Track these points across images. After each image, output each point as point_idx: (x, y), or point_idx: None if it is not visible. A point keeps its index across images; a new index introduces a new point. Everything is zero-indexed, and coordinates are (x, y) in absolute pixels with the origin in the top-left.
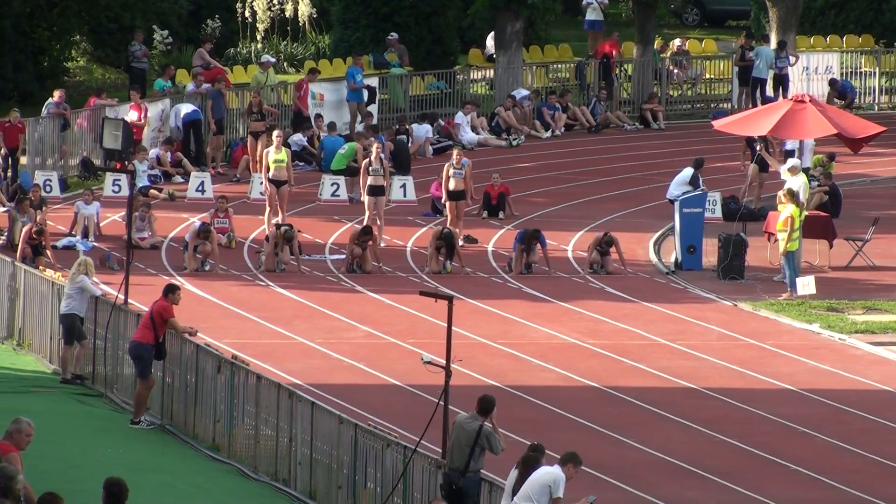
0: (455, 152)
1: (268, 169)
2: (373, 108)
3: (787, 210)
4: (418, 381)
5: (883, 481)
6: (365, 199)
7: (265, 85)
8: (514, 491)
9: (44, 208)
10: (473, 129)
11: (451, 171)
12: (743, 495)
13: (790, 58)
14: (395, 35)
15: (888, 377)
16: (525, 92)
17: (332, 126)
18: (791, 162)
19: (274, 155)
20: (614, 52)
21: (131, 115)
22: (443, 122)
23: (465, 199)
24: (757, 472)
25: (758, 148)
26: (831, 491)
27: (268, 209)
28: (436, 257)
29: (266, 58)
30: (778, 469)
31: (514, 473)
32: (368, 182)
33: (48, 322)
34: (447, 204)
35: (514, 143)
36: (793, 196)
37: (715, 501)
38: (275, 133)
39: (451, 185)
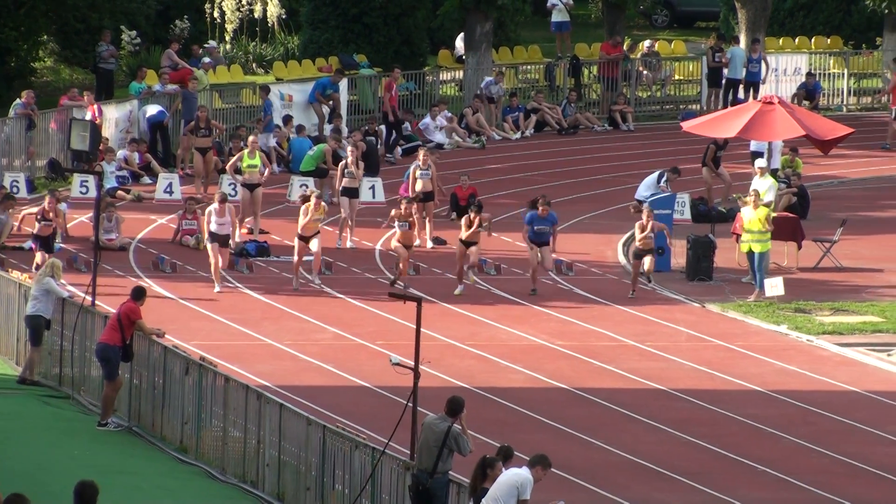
0: (422, 153)
1: (240, 172)
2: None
3: (749, 211)
4: (387, 383)
5: (850, 482)
6: (339, 200)
7: (206, 87)
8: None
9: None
10: (447, 130)
11: (418, 172)
12: (711, 496)
13: (762, 64)
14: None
15: (855, 378)
16: (490, 78)
17: (300, 128)
18: (759, 162)
19: (247, 160)
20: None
21: (86, 117)
22: (409, 126)
23: (433, 200)
24: (725, 472)
25: (711, 149)
26: (799, 491)
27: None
28: (462, 271)
29: (207, 59)
30: (745, 470)
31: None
32: (344, 184)
33: (14, 324)
34: (416, 205)
35: (477, 144)
36: (758, 197)
37: (683, 502)
38: (250, 138)
39: (419, 186)
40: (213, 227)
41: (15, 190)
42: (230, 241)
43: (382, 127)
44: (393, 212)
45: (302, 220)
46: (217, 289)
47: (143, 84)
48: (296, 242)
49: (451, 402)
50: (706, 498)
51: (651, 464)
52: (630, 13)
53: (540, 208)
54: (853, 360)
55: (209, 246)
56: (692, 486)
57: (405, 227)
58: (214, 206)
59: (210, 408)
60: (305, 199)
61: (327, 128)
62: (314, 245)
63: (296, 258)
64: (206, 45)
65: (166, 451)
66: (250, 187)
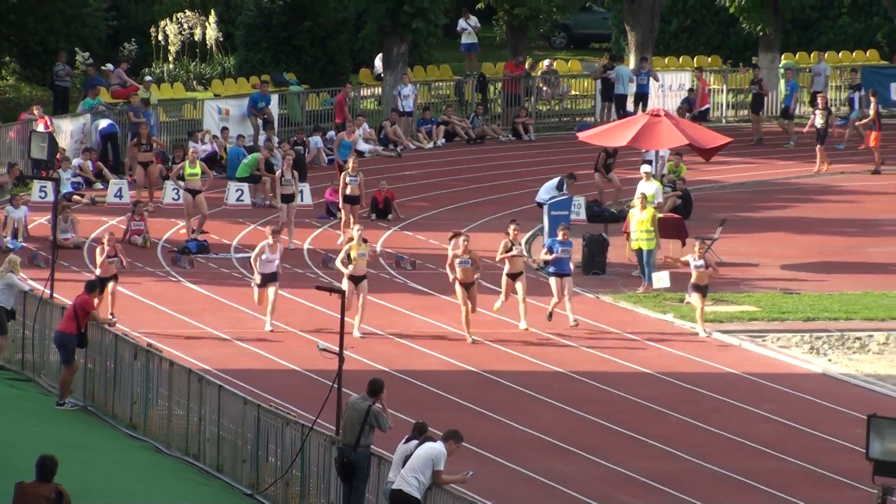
0: (351, 161)
1: (182, 179)
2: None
3: (638, 213)
4: (315, 367)
5: (729, 454)
6: (279, 205)
7: (155, 102)
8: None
9: None
10: (365, 140)
11: (348, 178)
12: (605, 467)
13: (651, 77)
14: None
15: (734, 362)
16: (401, 85)
17: (238, 138)
18: (645, 168)
19: (188, 169)
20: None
21: (39, 129)
22: (333, 135)
23: (359, 203)
24: (618, 446)
25: (601, 156)
26: (683, 463)
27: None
28: (510, 286)
29: (147, 77)
30: (636, 443)
31: (401, 448)
32: (281, 191)
33: None
34: (343, 207)
35: (394, 153)
36: (645, 200)
37: (581, 473)
38: (190, 149)
39: (348, 191)
40: (262, 267)
41: None
42: (277, 278)
43: (311, 138)
44: (450, 253)
45: (353, 256)
46: (268, 327)
47: (96, 100)
48: (345, 284)
49: (372, 383)
50: (602, 469)
51: (552, 438)
52: (531, 35)
53: (560, 234)
54: (732, 345)
55: (256, 290)
56: (588, 458)
57: (466, 265)
58: (268, 241)
59: (156, 389)
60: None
61: (261, 138)
62: (363, 288)
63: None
64: (103, 67)
65: (118, 428)
66: (192, 192)
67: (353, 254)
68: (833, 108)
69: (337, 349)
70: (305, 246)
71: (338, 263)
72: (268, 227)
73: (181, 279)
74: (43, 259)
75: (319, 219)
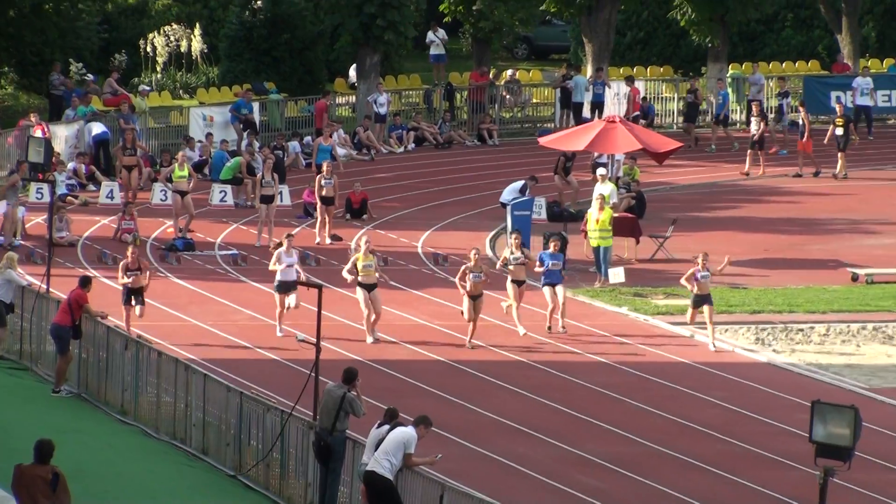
0: (325, 164)
1: (171, 181)
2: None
3: (596, 212)
4: (293, 357)
5: (681, 438)
6: (259, 206)
7: (146, 111)
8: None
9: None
10: (340, 145)
11: (323, 180)
12: (563, 449)
13: (605, 88)
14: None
15: (684, 352)
16: (375, 93)
17: (221, 143)
18: (600, 171)
19: (178, 171)
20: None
21: (36, 134)
22: (311, 140)
23: (334, 204)
24: (576, 430)
25: (560, 160)
26: (637, 446)
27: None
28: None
29: (143, 87)
30: (593, 428)
31: (374, 432)
32: (262, 192)
33: None
34: (319, 207)
35: (367, 157)
36: (603, 200)
37: (541, 455)
38: (179, 154)
39: (324, 192)
40: (281, 275)
41: None
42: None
43: (290, 143)
44: (463, 267)
45: (359, 267)
46: (279, 333)
47: (89, 107)
48: (359, 294)
49: (347, 371)
50: (559, 451)
51: (514, 423)
52: (495, 47)
53: (551, 246)
54: (682, 336)
55: (276, 295)
56: (547, 441)
57: (479, 279)
58: (282, 248)
59: (146, 377)
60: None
61: (243, 143)
62: (374, 297)
63: (365, 311)
64: (86, 77)
65: (109, 414)
66: (181, 193)
67: (359, 265)
68: (771, 115)
69: (314, 340)
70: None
71: (344, 272)
72: (284, 236)
73: (168, 275)
74: (39, 256)
75: (298, 218)
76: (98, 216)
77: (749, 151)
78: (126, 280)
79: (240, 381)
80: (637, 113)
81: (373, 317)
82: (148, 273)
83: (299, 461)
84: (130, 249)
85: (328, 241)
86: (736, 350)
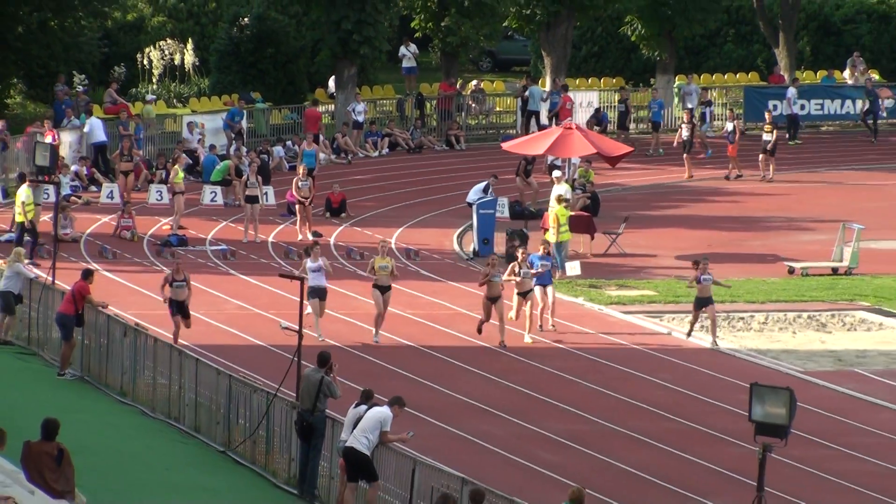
0: (301, 168)
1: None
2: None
3: (554, 210)
4: (278, 343)
5: (631, 417)
6: (244, 205)
7: (153, 117)
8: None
9: None
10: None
11: (300, 182)
12: (525, 428)
13: (561, 96)
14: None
15: (635, 338)
16: (354, 102)
17: (212, 148)
18: (556, 173)
19: (181, 174)
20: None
21: (47, 140)
22: (292, 145)
23: (311, 204)
24: (536, 410)
25: (521, 163)
26: (591, 424)
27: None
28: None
29: (149, 96)
30: (551, 407)
31: (352, 411)
32: (247, 193)
33: None
34: (298, 207)
35: (345, 161)
36: (561, 199)
37: (504, 433)
38: (180, 157)
39: (301, 193)
40: (312, 282)
41: None
42: (325, 294)
43: (275, 148)
44: (483, 269)
45: (375, 268)
46: (318, 335)
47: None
48: (374, 294)
49: (319, 356)
50: (521, 429)
51: (480, 403)
52: (462, 60)
53: (541, 249)
54: (633, 324)
55: (309, 302)
56: (510, 420)
57: (497, 279)
58: (309, 258)
59: (143, 361)
60: (307, 251)
61: (231, 148)
62: (387, 298)
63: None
64: (75, 89)
65: (110, 395)
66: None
67: (376, 266)
68: (702, 121)
69: (297, 328)
70: (270, 239)
71: (368, 272)
72: (312, 247)
73: (164, 268)
74: (46, 251)
75: (281, 216)
76: (99, 215)
77: (685, 156)
78: (168, 294)
79: (229, 365)
80: (569, 118)
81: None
82: (189, 284)
83: (283, 438)
84: (176, 262)
85: (310, 236)
86: (643, 323)
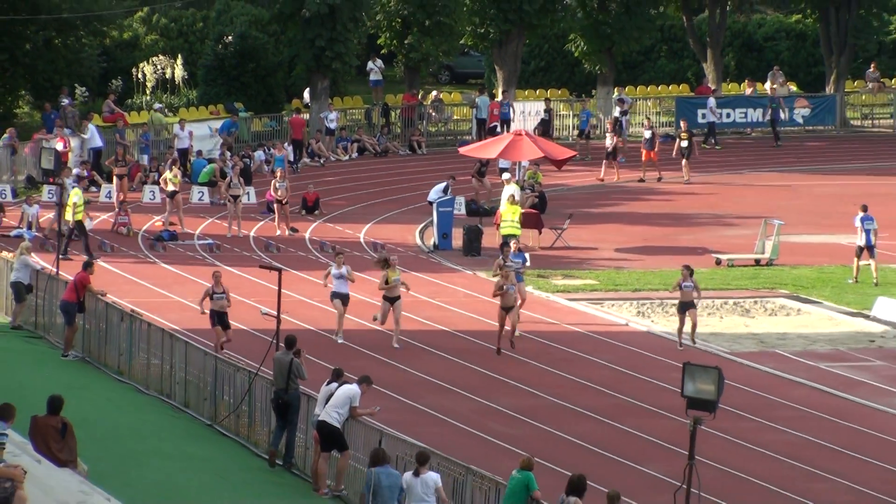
0: (279, 171)
1: (166, 183)
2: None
3: (506, 208)
4: (259, 327)
5: (576, 393)
6: (228, 204)
7: (163, 123)
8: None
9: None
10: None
11: (278, 184)
12: (480, 403)
13: (511, 108)
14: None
15: (579, 323)
16: (326, 111)
17: (199, 153)
18: (505, 175)
19: (174, 177)
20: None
21: (59, 146)
22: (272, 150)
23: (287, 203)
24: (490, 387)
25: (477, 165)
26: (540, 399)
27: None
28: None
29: (158, 105)
30: (504, 385)
31: (324, 389)
32: (230, 192)
33: (3, 288)
34: (276, 206)
35: (319, 164)
36: (513, 199)
37: (461, 407)
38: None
39: (278, 194)
40: (335, 287)
41: (2, 196)
42: (348, 300)
43: (256, 152)
44: (498, 281)
45: (389, 281)
46: (340, 339)
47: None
48: (383, 305)
49: (286, 338)
50: (476, 404)
51: (440, 382)
52: (423, 74)
53: (513, 247)
54: (577, 310)
55: (333, 302)
56: (467, 396)
57: (512, 290)
58: (333, 265)
59: (138, 344)
60: (385, 262)
61: (216, 153)
62: (397, 307)
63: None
64: (62, 102)
65: (108, 374)
66: (171, 194)
67: (390, 279)
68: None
69: (276, 313)
70: (251, 234)
71: (381, 285)
72: (337, 257)
73: (157, 260)
74: (51, 245)
75: (262, 214)
76: (98, 212)
77: (604, 161)
78: (208, 306)
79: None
80: (495, 123)
81: (394, 325)
82: (228, 296)
83: (264, 412)
84: (214, 275)
85: (287, 232)
86: (586, 309)
